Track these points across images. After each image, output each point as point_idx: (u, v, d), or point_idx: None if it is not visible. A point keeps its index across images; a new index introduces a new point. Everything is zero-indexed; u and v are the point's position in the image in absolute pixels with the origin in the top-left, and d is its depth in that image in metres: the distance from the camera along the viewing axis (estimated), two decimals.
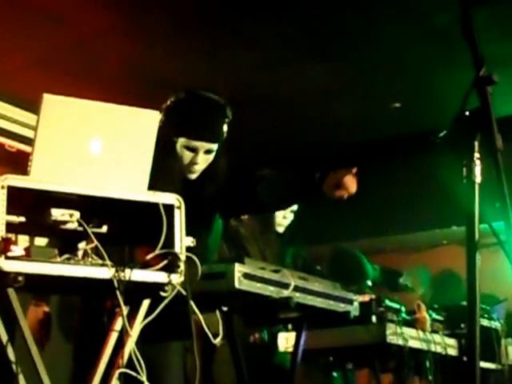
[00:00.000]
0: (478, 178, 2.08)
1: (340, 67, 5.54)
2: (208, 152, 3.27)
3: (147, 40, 5.36)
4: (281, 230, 4.48)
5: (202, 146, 3.25)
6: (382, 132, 6.27)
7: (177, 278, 2.57)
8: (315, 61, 5.42)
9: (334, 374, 4.55)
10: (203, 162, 3.27)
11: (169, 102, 3.28)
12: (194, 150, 3.25)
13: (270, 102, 6.30)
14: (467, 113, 2.05)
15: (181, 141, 3.25)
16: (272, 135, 6.89)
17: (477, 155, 2.09)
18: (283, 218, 4.46)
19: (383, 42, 5.23)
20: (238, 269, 2.94)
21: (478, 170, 2.10)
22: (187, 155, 3.25)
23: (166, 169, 3.12)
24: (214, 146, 3.27)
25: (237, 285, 2.92)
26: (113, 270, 2.49)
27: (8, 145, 6.22)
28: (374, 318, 4.07)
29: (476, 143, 2.06)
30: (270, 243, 4.43)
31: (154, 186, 2.63)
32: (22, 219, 2.46)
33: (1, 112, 6.21)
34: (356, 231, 7.19)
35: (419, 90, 5.69)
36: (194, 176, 3.29)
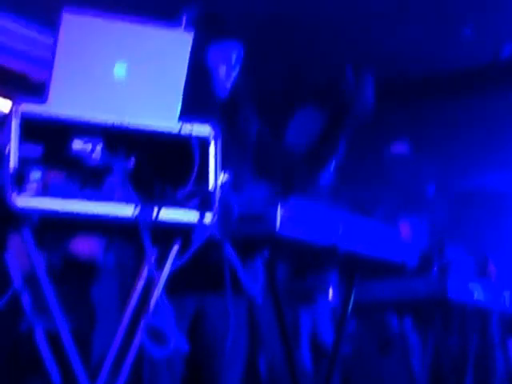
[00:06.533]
0: None
1: None
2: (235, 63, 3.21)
3: None
4: None
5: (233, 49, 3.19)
6: (452, 63, 6.09)
7: (210, 218, 2.51)
8: None
9: None
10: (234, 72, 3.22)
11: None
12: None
13: (319, 26, 6.14)
14: None
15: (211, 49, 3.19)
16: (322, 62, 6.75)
17: None
18: None
19: None
20: (281, 210, 2.86)
21: None
22: (220, 66, 3.19)
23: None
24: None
25: (278, 228, 2.84)
26: (138, 207, 2.43)
27: None
28: (435, 270, 3.98)
29: None
30: None
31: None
32: (40, 151, 2.40)
33: None
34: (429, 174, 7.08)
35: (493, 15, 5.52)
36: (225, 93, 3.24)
